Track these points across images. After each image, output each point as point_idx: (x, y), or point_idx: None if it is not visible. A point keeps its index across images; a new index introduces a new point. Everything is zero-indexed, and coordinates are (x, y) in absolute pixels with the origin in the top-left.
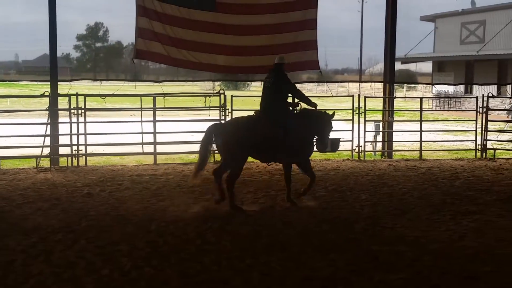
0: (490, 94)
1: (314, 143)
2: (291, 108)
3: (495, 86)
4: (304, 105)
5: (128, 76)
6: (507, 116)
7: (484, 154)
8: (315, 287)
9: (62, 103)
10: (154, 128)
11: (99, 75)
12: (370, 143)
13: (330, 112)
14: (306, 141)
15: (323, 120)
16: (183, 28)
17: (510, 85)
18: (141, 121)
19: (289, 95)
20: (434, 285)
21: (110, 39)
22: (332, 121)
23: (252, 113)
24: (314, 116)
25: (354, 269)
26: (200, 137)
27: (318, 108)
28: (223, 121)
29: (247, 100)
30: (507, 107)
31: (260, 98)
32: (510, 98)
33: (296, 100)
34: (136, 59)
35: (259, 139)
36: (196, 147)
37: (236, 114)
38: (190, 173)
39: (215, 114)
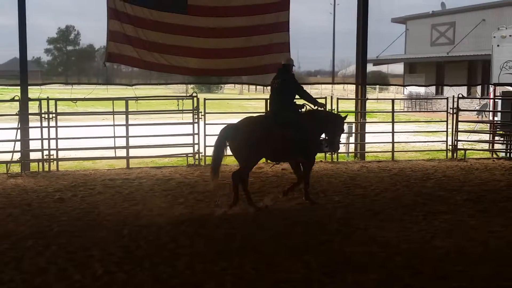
0: (460, 95)
1: (323, 144)
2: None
3: (465, 87)
4: (310, 106)
5: (100, 80)
6: (477, 117)
7: (455, 154)
8: None
9: (33, 107)
10: (126, 131)
11: (71, 78)
12: (343, 144)
13: (343, 115)
14: (314, 141)
15: (335, 121)
16: (154, 31)
17: (480, 86)
18: (113, 125)
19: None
20: (406, 285)
21: (81, 42)
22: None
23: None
24: (324, 117)
25: (327, 270)
26: (172, 140)
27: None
28: (234, 123)
29: (221, 103)
30: (477, 108)
31: (269, 99)
32: (480, 99)
33: (302, 102)
34: (108, 62)
35: (269, 139)
36: (169, 151)
37: (209, 117)
38: (207, 179)
39: (188, 118)
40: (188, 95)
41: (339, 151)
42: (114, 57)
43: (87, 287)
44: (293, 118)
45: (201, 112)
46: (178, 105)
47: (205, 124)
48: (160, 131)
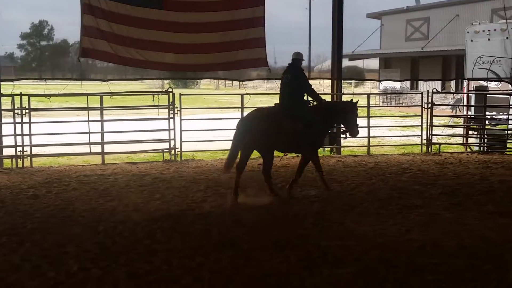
0: (434, 90)
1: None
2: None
3: (440, 82)
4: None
5: (74, 75)
6: (451, 111)
7: (429, 148)
8: (265, 284)
9: (6, 103)
10: (101, 127)
11: (45, 74)
12: None
13: (355, 100)
14: (321, 134)
15: (347, 109)
16: (129, 26)
17: (454, 81)
18: (88, 121)
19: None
20: (382, 278)
21: (55, 37)
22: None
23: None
24: (334, 108)
25: (304, 264)
26: (148, 136)
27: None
28: (248, 116)
29: (197, 98)
30: (451, 102)
31: (279, 93)
32: (454, 93)
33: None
34: (82, 57)
35: (279, 131)
36: (145, 146)
37: (185, 113)
38: (221, 168)
39: (163, 113)
40: (163, 90)
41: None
42: (88, 52)
43: (62, 284)
44: (302, 112)
45: (176, 108)
46: (153, 100)
47: (181, 119)
48: (136, 126)
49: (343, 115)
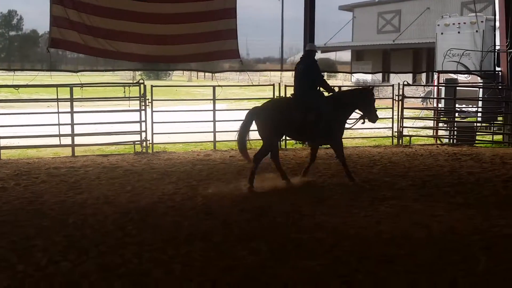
0: (405, 83)
1: (357, 120)
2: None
3: (411, 74)
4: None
5: (44, 66)
6: (422, 104)
7: (400, 141)
8: (237, 276)
9: None
10: (71, 119)
11: (14, 65)
12: None
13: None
14: (339, 123)
15: (362, 95)
16: (100, 17)
17: (425, 73)
18: (58, 112)
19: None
20: (353, 269)
21: (24, 27)
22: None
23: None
24: (350, 96)
25: (275, 257)
26: (119, 127)
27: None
28: (260, 105)
29: (169, 90)
30: (422, 95)
31: (293, 83)
32: (424, 86)
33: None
34: (52, 48)
35: (293, 122)
36: (116, 138)
37: (156, 104)
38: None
39: (135, 105)
40: (135, 82)
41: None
42: (58, 43)
43: (31, 277)
44: (316, 102)
45: (148, 99)
46: (124, 92)
47: (152, 111)
48: (107, 118)
49: (360, 102)
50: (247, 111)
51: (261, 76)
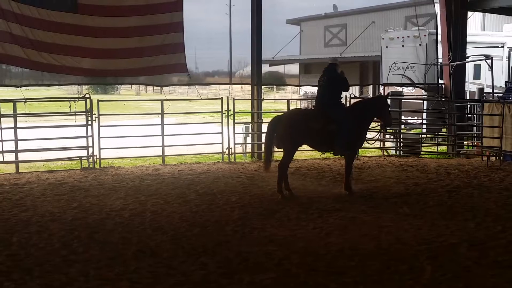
0: (352, 95)
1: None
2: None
3: (358, 87)
4: None
5: None
6: None
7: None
8: None
9: None
10: (15, 135)
11: None
12: (240, 145)
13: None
14: (360, 133)
15: (377, 103)
16: (43, 30)
17: (371, 86)
18: (0, 128)
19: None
20: (302, 281)
21: None
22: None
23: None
24: (368, 105)
25: (224, 271)
26: (65, 143)
27: None
28: (280, 115)
29: (117, 104)
30: None
31: (316, 95)
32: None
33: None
34: None
35: (314, 132)
36: (62, 154)
37: (104, 119)
38: (261, 166)
39: (81, 119)
40: (80, 96)
41: (239, 151)
42: (0, 57)
43: None
44: (338, 113)
45: (94, 114)
46: (70, 107)
47: (99, 126)
48: (52, 133)
49: (378, 110)
50: (268, 122)
51: (210, 89)
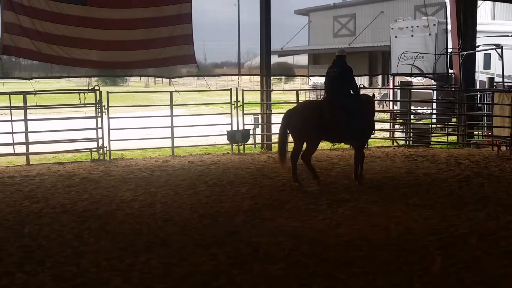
0: (361, 85)
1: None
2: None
3: (367, 77)
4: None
5: None
6: (378, 106)
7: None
8: (196, 282)
9: None
10: (25, 127)
11: None
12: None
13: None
14: (368, 124)
15: (371, 103)
16: (52, 23)
17: (380, 76)
18: (11, 120)
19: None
20: (312, 272)
21: None
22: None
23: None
24: (367, 100)
25: (234, 262)
26: (75, 135)
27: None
28: (292, 108)
29: (126, 96)
30: (378, 98)
31: (325, 86)
32: (380, 88)
33: None
34: (4, 55)
35: (326, 123)
36: (72, 146)
37: (113, 111)
38: (276, 162)
39: (91, 111)
40: (90, 88)
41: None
42: (9, 49)
43: None
44: (349, 104)
45: (104, 106)
46: (79, 99)
47: (108, 118)
48: (62, 125)
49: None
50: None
51: (219, 80)
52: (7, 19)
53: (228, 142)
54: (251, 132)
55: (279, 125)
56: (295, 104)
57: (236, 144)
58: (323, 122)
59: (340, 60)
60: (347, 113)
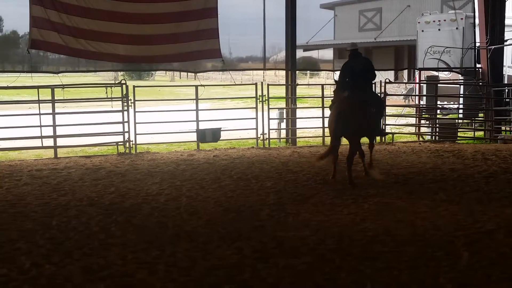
0: (387, 80)
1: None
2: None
3: (393, 72)
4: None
5: (25, 67)
6: (404, 101)
7: (383, 138)
8: (221, 276)
9: None
10: (53, 120)
11: None
12: (275, 130)
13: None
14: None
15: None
16: (80, 17)
17: (406, 71)
18: (39, 114)
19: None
20: (337, 267)
21: (5, 28)
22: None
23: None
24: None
25: (259, 256)
26: (102, 129)
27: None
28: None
29: (152, 90)
30: (404, 92)
31: (349, 81)
32: (406, 83)
33: None
34: (32, 49)
35: (361, 119)
36: (99, 139)
37: (139, 105)
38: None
39: (117, 105)
40: (116, 82)
41: (273, 136)
42: (38, 44)
43: (15, 281)
44: (375, 97)
45: (130, 100)
46: (106, 92)
47: (135, 111)
48: (89, 119)
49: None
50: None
51: (244, 75)
52: (36, 13)
53: (253, 137)
54: (275, 127)
55: (304, 119)
56: (330, 103)
57: (261, 139)
58: (358, 118)
59: (358, 54)
60: (378, 106)
